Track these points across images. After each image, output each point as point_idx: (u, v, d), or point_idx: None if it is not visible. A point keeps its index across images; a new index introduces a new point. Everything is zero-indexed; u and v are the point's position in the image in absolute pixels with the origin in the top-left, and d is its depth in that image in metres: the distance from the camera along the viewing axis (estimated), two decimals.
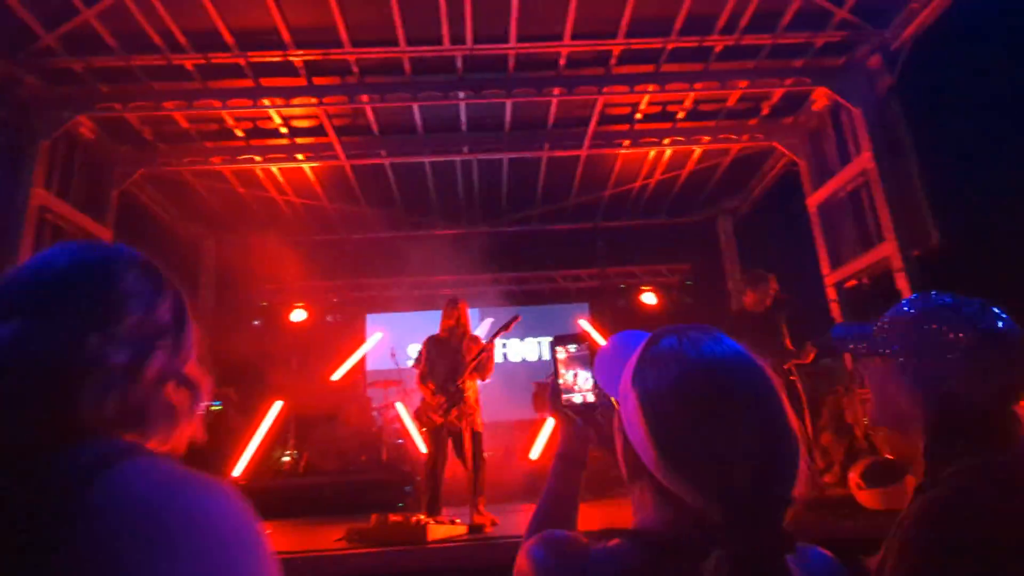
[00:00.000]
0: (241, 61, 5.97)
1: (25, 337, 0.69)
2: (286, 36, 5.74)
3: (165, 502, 0.62)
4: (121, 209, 7.23)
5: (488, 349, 4.66)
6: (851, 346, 1.20)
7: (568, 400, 1.09)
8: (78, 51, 5.73)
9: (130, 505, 0.61)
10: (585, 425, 1.08)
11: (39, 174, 5.91)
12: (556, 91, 6.58)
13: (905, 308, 1.15)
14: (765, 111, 7.32)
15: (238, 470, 6.51)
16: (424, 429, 4.89)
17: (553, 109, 7.04)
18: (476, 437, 4.59)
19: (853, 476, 3.79)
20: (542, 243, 10.14)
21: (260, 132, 7.30)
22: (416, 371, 5.02)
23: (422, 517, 3.64)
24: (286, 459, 7.43)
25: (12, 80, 5.72)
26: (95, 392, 0.69)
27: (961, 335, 1.06)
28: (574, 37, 5.95)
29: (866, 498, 3.69)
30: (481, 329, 10.00)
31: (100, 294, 0.76)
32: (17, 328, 0.69)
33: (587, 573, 0.76)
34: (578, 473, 1.06)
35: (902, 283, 5.80)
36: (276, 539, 4.57)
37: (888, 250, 6.00)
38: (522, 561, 0.83)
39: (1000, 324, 1.06)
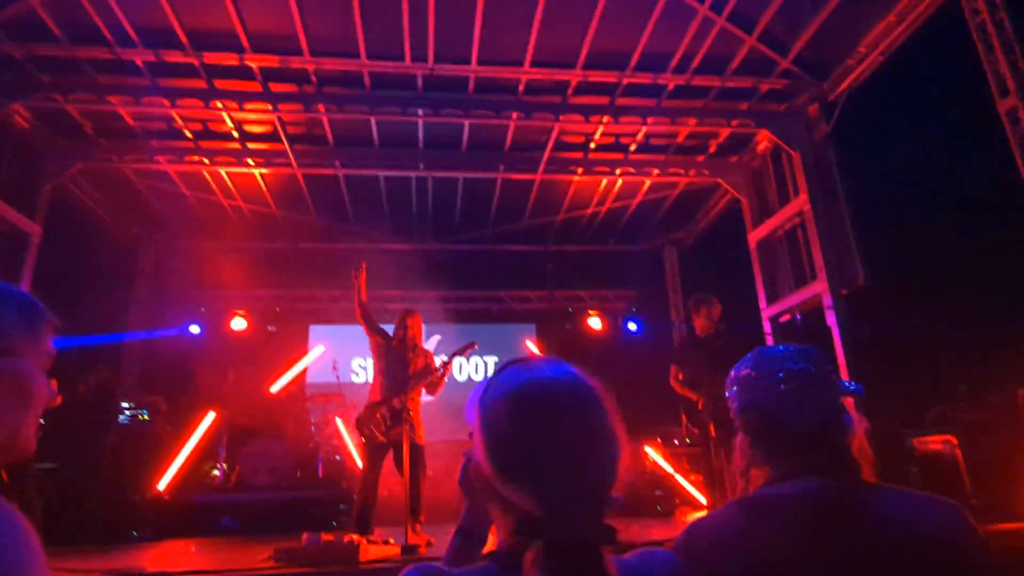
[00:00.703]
0: (195, 61, 5.83)
1: None
2: (244, 40, 5.65)
3: None
4: (53, 204, 6.88)
5: (444, 372, 4.63)
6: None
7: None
8: (19, 37, 5.49)
9: None
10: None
11: None
12: (514, 115, 6.70)
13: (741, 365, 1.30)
14: (712, 149, 7.64)
15: (163, 483, 6.21)
16: (363, 440, 4.75)
17: (510, 133, 7.15)
18: (417, 450, 4.44)
19: None
20: (493, 263, 10.19)
21: (210, 134, 7.12)
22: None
23: (355, 537, 3.56)
24: (216, 473, 7.15)
25: None
26: None
27: (776, 368, 1.21)
28: (534, 64, 6.09)
29: None
30: (429, 346, 9.95)
31: None
32: None
33: None
34: (477, 551, 1.02)
35: (831, 320, 6.10)
36: (201, 557, 4.38)
37: (819, 288, 6.31)
38: None
39: (806, 358, 1.21)
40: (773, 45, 6.02)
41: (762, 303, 7.49)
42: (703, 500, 5.82)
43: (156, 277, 9.18)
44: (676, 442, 7.15)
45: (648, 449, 7.03)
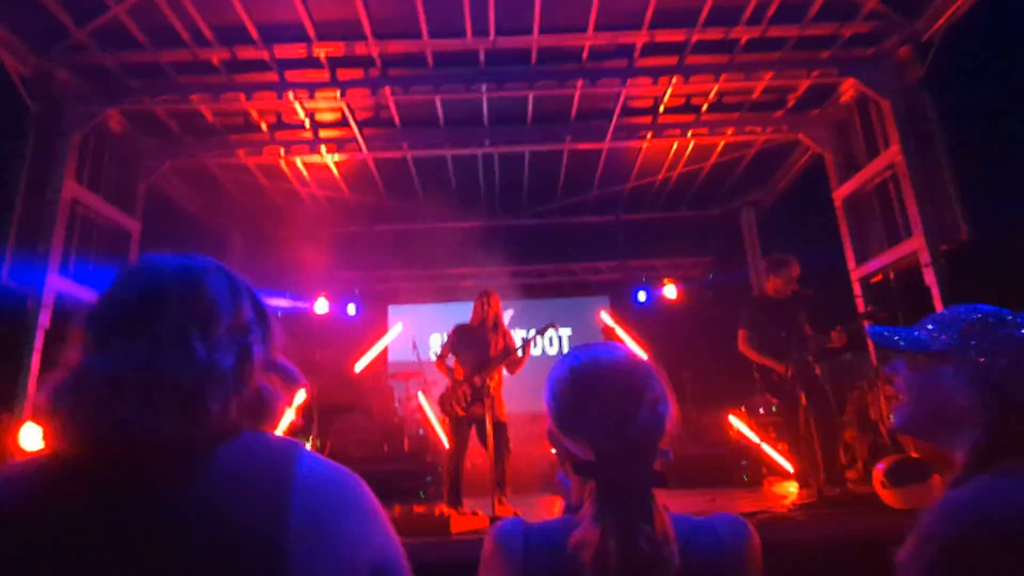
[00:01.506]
0: (266, 55, 6.03)
1: (150, 360, 0.77)
2: (310, 30, 5.78)
3: (343, 482, 0.83)
4: (149, 201, 7.36)
5: (524, 352, 4.76)
6: (898, 344, 1.18)
7: None
8: (108, 46, 5.84)
9: (323, 484, 0.79)
10: None
11: (71, 167, 6.03)
12: (579, 83, 6.55)
13: (959, 312, 1.15)
14: (791, 103, 7.21)
15: None
16: (446, 418, 4.94)
17: (575, 102, 7.01)
18: (500, 427, 4.59)
19: (877, 473, 3.75)
20: (563, 236, 10.13)
21: (284, 125, 7.38)
22: (441, 352, 5.09)
23: (445, 509, 3.69)
24: (309, 447, 7.55)
25: (45, 75, 5.84)
26: (217, 399, 0.79)
27: (1020, 340, 1.07)
28: (597, 29, 5.91)
29: (889, 496, 3.65)
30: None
31: (191, 303, 0.83)
32: (140, 351, 0.77)
33: (529, 543, 0.99)
34: None
35: (930, 279, 5.69)
36: None
37: (916, 245, 5.89)
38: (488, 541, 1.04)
39: None
40: None
41: (850, 263, 7.08)
42: (791, 469, 5.63)
43: (244, 266, 9.69)
44: (761, 411, 6.93)
45: (732, 418, 6.87)
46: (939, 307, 5.53)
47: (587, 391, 1.05)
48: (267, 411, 0.86)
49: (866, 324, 6.40)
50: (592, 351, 1.12)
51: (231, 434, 0.79)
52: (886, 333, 1.21)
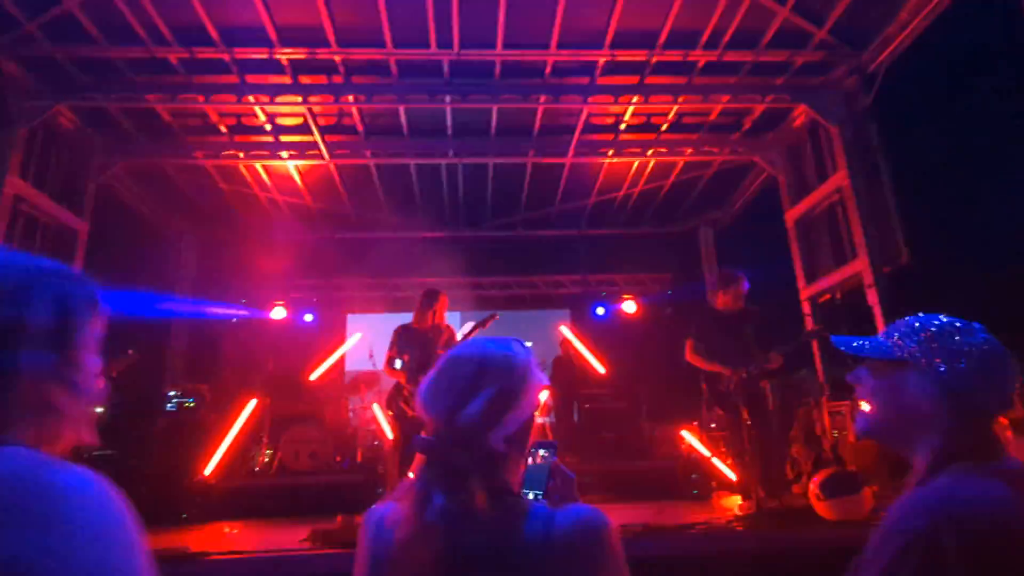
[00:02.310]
0: (226, 57, 5.95)
1: None
2: (272, 34, 5.73)
3: (21, 486, 0.67)
4: (99, 201, 7.14)
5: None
6: (860, 350, 1.24)
7: None
8: (60, 40, 5.68)
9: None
10: None
11: (15, 163, 5.83)
12: (542, 99, 6.64)
13: (921, 321, 1.20)
14: (747, 126, 7.43)
15: (209, 468, 6.44)
16: (392, 415, 4.87)
17: (539, 116, 7.10)
18: None
19: (812, 486, 3.85)
20: (525, 248, 10.19)
21: (244, 128, 7.27)
22: (385, 357, 5.01)
23: None
24: (258, 458, 7.37)
25: None
26: None
27: (975, 347, 1.13)
28: (560, 46, 6.01)
29: (823, 508, 3.75)
30: (461, 332, 10.02)
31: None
32: None
33: (380, 522, 1.12)
34: None
35: (873, 299, 5.91)
36: (242, 538, 4.54)
37: (860, 266, 6.11)
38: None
39: (996, 341, 1.15)
40: (808, 16, 5.80)
41: (800, 282, 7.30)
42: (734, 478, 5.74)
43: (198, 270, 9.46)
44: (713, 425, 7.04)
45: (684, 433, 6.96)
46: (880, 325, 5.74)
47: (440, 373, 1.15)
48: (21, 419, 0.79)
49: (814, 342, 6.60)
50: (475, 341, 1.22)
51: None
52: (854, 342, 1.27)
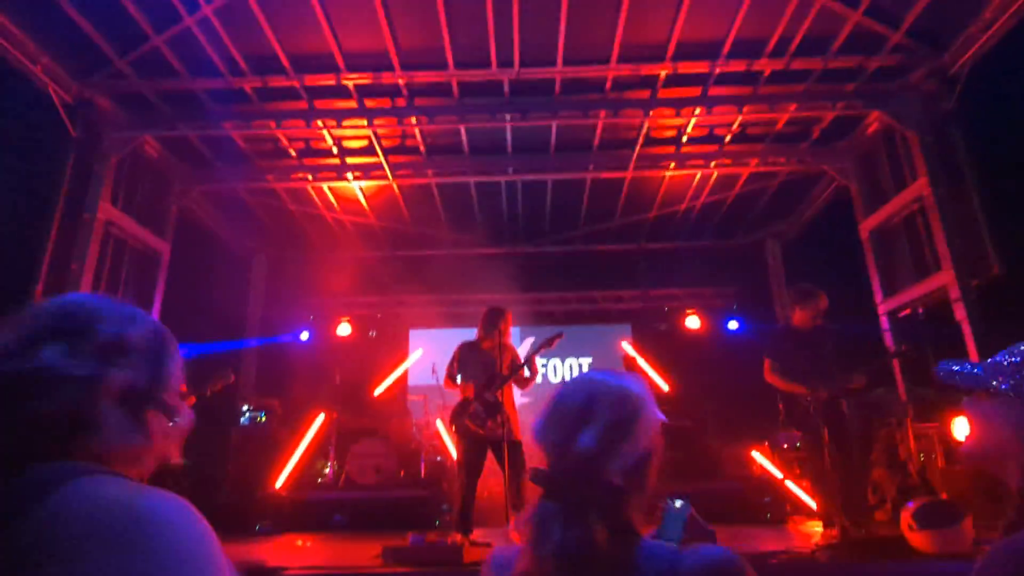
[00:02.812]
0: (296, 84, 6.20)
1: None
2: (340, 60, 5.94)
3: (115, 514, 0.69)
4: (179, 224, 7.56)
5: (531, 364, 4.67)
6: (958, 380, 1.24)
7: None
8: (147, 75, 6.07)
9: (75, 519, 0.67)
10: None
11: (107, 190, 6.24)
12: (602, 114, 6.61)
13: (1012, 351, 1.19)
14: (816, 135, 7.17)
15: (280, 481, 6.64)
16: (455, 432, 4.79)
17: (598, 131, 7.07)
18: (515, 446, 4.44)
19: (905, 515, 3.61)
20: (585, 264, 10.11)
21: (312, 152, 7.55)
22: (445, 372, 5.04)
23: (458, 538, 3.64)
24: (326, 471, 7.55)
25: (85, 102, 6.07)
26: (45, 401, 0.77)
27: None
28: (620, 61, 5.98)
29: (918, 540, 3.51)
30: (523, 348, 10.03)
31: (70, 317, 0.85)
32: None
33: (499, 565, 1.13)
34: None
35: (960, 313, 5.55)
36: (313, 552, 4.64)
37: (945, 279, 5.76)
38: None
39: None
40: (881, 18, 5.57)
41: (877, 296, 6.94)
42: (815, 507, 5.46)
43: (269, 288, 9.84)
44: (785, 446, 6.76)
45: (755, 454, 6.71)
46: (970, 343, 5.38)
47: (552, 404, 1.15)
48: (98, 437, 0.81)
49: (895, 362, 6.24)
50: (587, 374, 1.21)
51: (41, 453, 0.75)
52: (955, 367, 1.26)
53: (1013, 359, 1.17)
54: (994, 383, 1.17)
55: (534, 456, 1.14)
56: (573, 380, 1.19)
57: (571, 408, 1.11)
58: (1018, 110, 5.51)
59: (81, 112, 6.07)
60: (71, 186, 5.99)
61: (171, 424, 0.91)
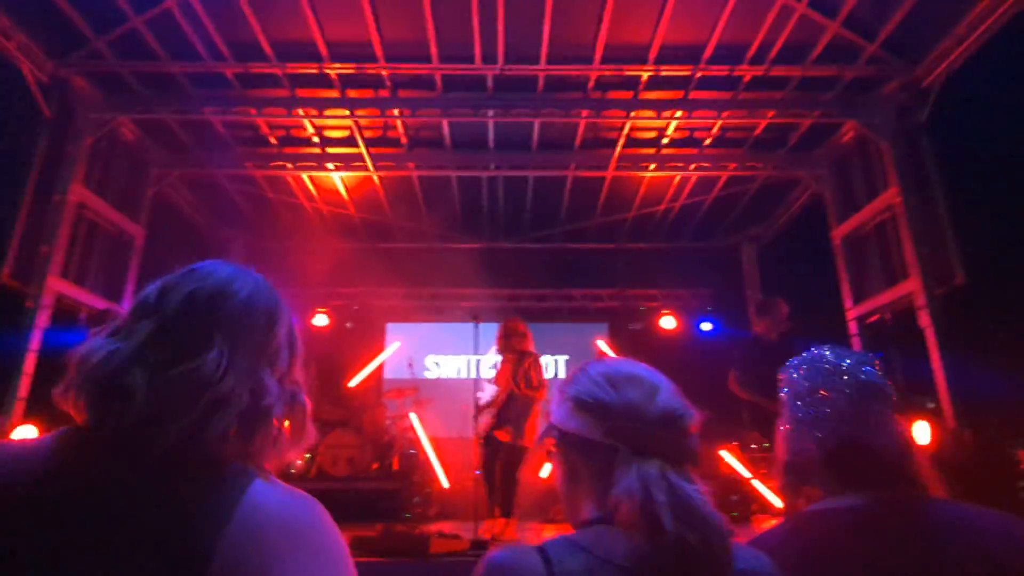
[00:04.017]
0: (279, 71, 6.16)
1: (223, 374, 0.79)
2: (323, 49, 5.91)
3: (296, 519, 0.75)
4: (154, 209, 7.45)
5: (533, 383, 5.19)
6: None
7: None
8: (125, 56, 5.97)
9: (268, 521, 0.72)
10: None
11: (80, 172, 6.13)
12: (584, 113, 6.66)
13: (792, 374, 1.32)
14: (793, 141, 7.30)
15: None
16: (481, 439, 5.33)
17: (580, 130, 7.12)
18: (515, 450, 4.96)
19: None
20: (563, 261, 10.16)
21: (293, 140, 7.49)
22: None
23: (426, 530, 3.68)
24: (298, 462, 7.51)
25: (61, 81, 5.97)
26: (225, 421, 0.79)
27: (815, 381, 1.22)
28: (604, 61, 6.03)
29: None
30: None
31: (270, 334, 0.87)
32: (216, 361, 0.79)
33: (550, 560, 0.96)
34: None
35: (925, 320, 5.71)
36: None
37: (912, 287, 5.92)
38: None
39: (868, 376, 1.19)
40: (858, 30, 5.69)
41: (847, 303, 7.10)
42: (780, 504, 5.59)
43: None
44: (754, 446, 6.89)
45: (723, 453, 6.83)
46: (932, 349, 5.54)
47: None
48: (273, 443, 0.84)
49: None
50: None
51: (187, 455, 0.75)
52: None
53: (790, 384, 1.31)
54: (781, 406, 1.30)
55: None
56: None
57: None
58: (986, 124, 5.67)
59: (56, 92, 5.96)
60: (43, 167, 5.88)
61: (305, 417, 0.92)
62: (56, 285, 5.86)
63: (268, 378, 0.84)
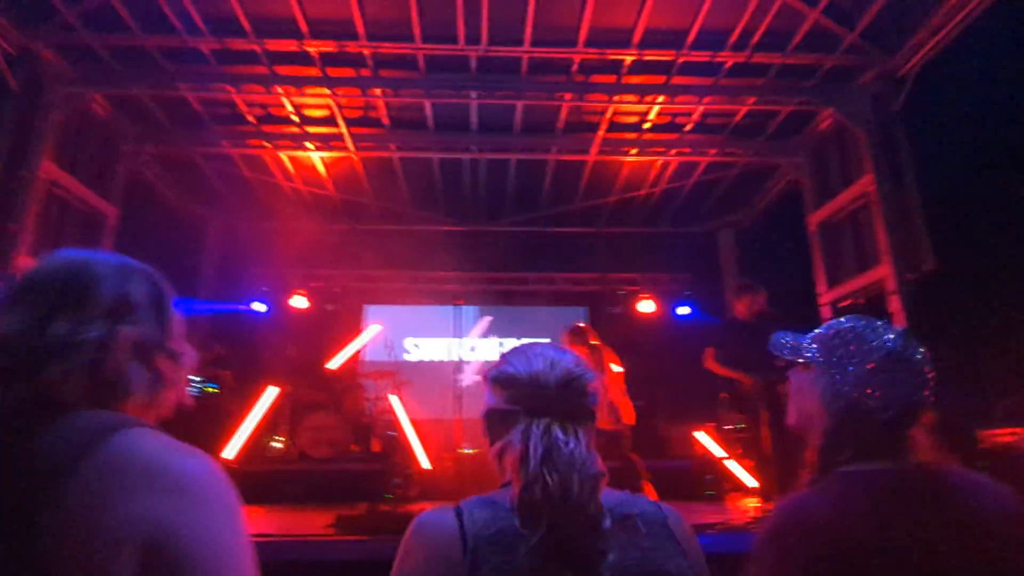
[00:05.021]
0: (257, 48, 6.03)
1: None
2: (303, 26, 5.79)
3: (163, 463, 0.78)
4: (128, 186, 7.28)
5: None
6: (783, 352, 1.33)
7: None
8: (96, 28, 5.79)
9: (131, 464, 0.76)
10: None
11: (49, 148, 5.95)
12: (567, 96, 6.65)
13: (831, 325, 1.28)
14: (772, 128, 7.39)
15: (230, 453, 6.56)
16: None
17: (563, 114, 7.11)
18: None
19: None
20: (545, 245, 10.20)
21: (271, 119, 7.36)
22: None
23: (411, 509, 3.71)
24: (278, 445, 7.49)
25: (29, 53, 5.77)
26: (62, 366, 0.83)
27: (867, 353, 1.17)
28: (588, 44, 6.02)
29: None
30: (479, 328, 10.09)
31: (71, 284, 0.90)
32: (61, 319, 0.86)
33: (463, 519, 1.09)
34: None
35: (896, 305, 5.88)
36: (265, 522, 4.64)
37: (884, 272, 6.08)
38: None
39: (903, 347, 1.17)
40: (839, 18, 5.76)
41: (821, 287, 7.26)
42: (754, 484, 5.76)
43: (222, 256, 9.60)
44: (728, 427, 7.06)
45: (698, 434, 6.98)
46: None
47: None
48: (131, 388, 0.89)
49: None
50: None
51: (70, 407, 0.81)
52: (784, 339, 1.35)
53: (826, 332, 1.26)
54: (808, 355, 1.26)
55: None
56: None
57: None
58: (960, 113, 5.80)
59: (24, 65, 5.76)
60: (10, 143, 5.70)
61: (180, 368, 0.99)
62: (25, 264, 5.72)
63: (110, 333, 0.88)
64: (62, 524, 0.70)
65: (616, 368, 5.27)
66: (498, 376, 1.16)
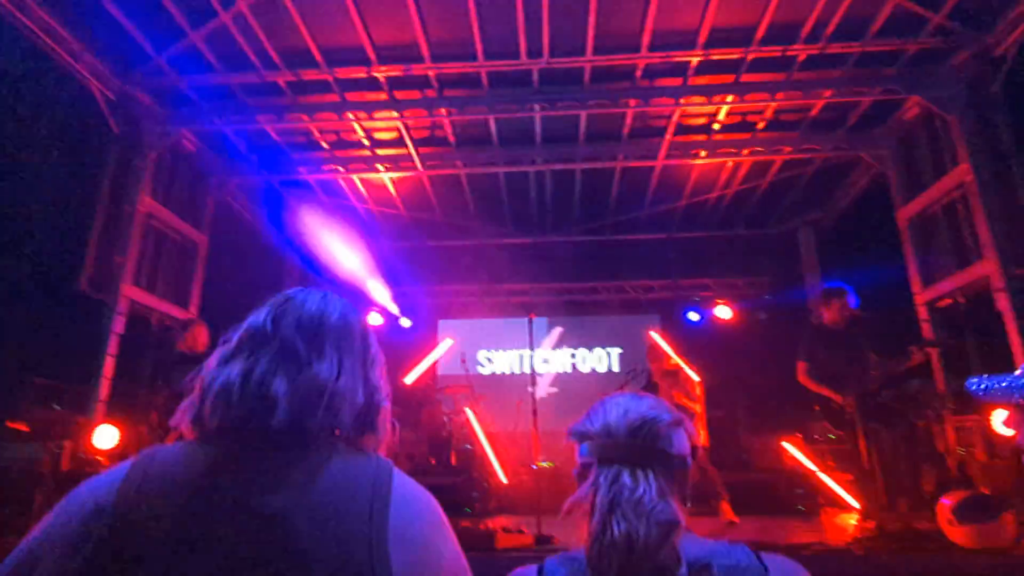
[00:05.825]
0: (328, 77, 6.28)
1: (338, 377, 0.97)
2: (371, 53, 6.00)
3: (427, 499, 0.93)
4: (216, 215, 7.74)
5: None
6: (995, 398, 1.28)
7: None
8: (184, 70, 6.21)
9: (414, 499, 0.91)
10: None
11: (147, 183, 6.42)
12: (632, 102, 6.55)
13: None
14: (852, 120, 7.01)
15: None
16: None
17: (628, 120, 7.01)
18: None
19: (943, 509, 3.55)
20: (614, 253, 10.07)
21: (343, 144, 7.65)
22: None
23: (491, 525, 3.71)
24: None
25: (127, 97, 6.25)
26: (329, 409, 0.94)
27: None
28: (651, 49, 5.92)
29: (958, 534, 3.46)
30: (551, 338, 10.06)
31: (365, 343, 1.04)
32: (330, 367, 0.97)
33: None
34: None
35: (1003, 304, 5.40)
36: None
37: (988, 268, 5.61)
38: None
39: None
40: (922, 0, 5.41)
41: (915, 286, 6.78)
42: (853, 502, 5.39)
43: (302, 278, 10.02)
44: (818, 437, 6.67)
45: (786, 444, 6.64)
46: (1013, 334, 5.23)
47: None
48: (373, 431, 1.01)
49: (933, 351, 6.11)
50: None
51: (332, 443, 0.92)
52: (984, 384, 1.29)
53: None
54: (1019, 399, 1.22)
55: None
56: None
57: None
58: None
59: (122, 108, 6.25)
60: (113, 180, 6.19)
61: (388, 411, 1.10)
62: (130, 292, 6.16)
63: (375, 378, 1.03)
64: (401, 555, 0.83)
65: (695, 377, 5.11)
66: (574, 431, 1.18)
